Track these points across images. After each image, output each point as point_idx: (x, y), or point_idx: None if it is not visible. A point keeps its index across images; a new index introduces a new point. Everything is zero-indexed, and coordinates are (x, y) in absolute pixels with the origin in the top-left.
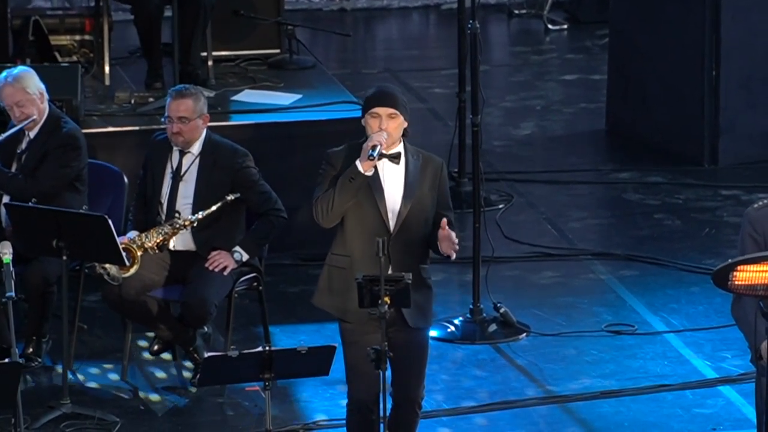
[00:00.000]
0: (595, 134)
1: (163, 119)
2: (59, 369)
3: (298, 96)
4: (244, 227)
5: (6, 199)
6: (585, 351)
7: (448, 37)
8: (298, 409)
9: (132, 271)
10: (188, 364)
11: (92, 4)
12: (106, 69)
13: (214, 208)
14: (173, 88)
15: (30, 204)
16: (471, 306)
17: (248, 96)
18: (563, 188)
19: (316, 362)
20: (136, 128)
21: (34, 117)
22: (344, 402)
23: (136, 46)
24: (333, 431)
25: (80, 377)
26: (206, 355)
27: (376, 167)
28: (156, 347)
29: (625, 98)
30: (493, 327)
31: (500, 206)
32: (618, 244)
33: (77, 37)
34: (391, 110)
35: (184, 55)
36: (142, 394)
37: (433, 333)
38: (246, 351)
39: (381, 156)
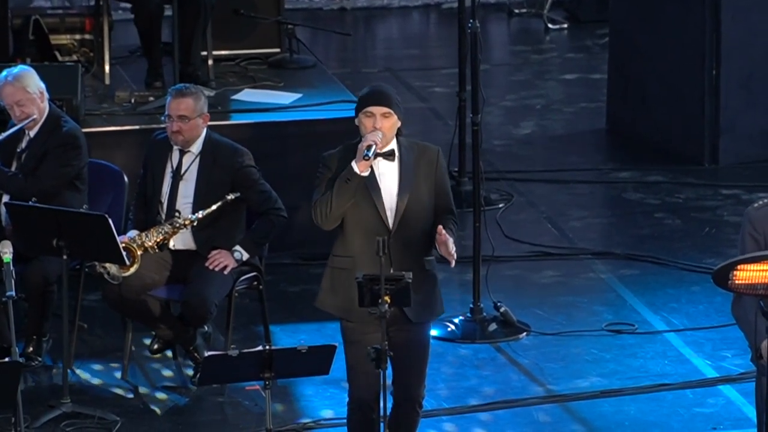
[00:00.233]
0: (596, 133)
1: (163, 118)
2: (59, 368)
3: (299, 95)
4: (244, 226)
5: (6, 198)
6: (585, 350)
7: (449, 36)
8: (299, 408)
9: (132, 270)
10: (188, 363)
11: (92, 3)
12: (107, 68)
13: (214, 207)
14: (173, 87)
15: (30, 203)
16: (471, 305)
17: (248, 95)
18: (563, 187)
19: (316, 361)
20: (136, 127)
21: (35, 116)
22: (345, 401)
23: (136, 46)
24: (333, 430)
25: (80, 376)
26: (206, 354)
27: (371, 166)
28: (156, 346)
29: (626, 97)
30: (493, 326)
31: (500, 205)
32: (618, 243)
33: (77, 37)
34: (385, 109)
35: (185, 55)
36: (142, 393)
37: (433, 332)
38: (246, 350)
39: (375, 155)
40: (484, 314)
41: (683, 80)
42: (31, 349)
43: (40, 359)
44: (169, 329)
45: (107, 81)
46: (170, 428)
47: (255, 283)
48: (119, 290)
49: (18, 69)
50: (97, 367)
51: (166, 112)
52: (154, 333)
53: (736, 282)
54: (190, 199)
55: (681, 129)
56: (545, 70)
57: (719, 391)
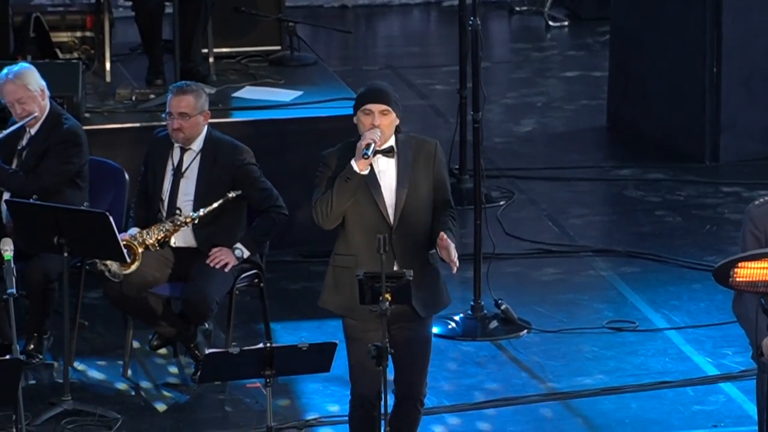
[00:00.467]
0: (596, 131)
1: (164, 115)
2: (60, 366)
3: (299, 93)
4: (245, 224)
5: (7, 195)
6: (586, 348)
7: (449, 33)
8: (299, 405)
9: (133, 267)
10: (189, 360)
11: (93, 0)
12: (107, 66)
13: (215, 205)
14: (174, 85)
15: (31, 201)
16: (472, 303)
17: (249, 93)
18: (564, 185)
19: (317, 359)
20: (137, 125)
21: (36, 114)
22: (346, 398)
23: (137, 43)
24: (334, 428)
25: (81, 374)
26: (207, 351)
27: (371, 164)
28: (156, 343)
29: (626, 95)
30: (494, 324)
31: (501, 203)
32: (619, 240)
33: (78, 34)
34: (384, 107)
35: (185, 52)
36: (143, 391)
37: (434, 330)
38: (247, 347)
39: (375, 153)
40: (485, 312)
41: (684, 78)
42: (32, 346)
43: (41, 357)
44: (170, 327)
45: (108, 78)
46: (171, 425)
47: (256, 280)
48: (120, 288)
49: (19, 66)
50: (98, 364)
51: (167, 110)
52: (154, 330)
53: (737, 279)
54: (191, 197)
55: (682, 126)
56: (546, 68)
57: (720, 389)
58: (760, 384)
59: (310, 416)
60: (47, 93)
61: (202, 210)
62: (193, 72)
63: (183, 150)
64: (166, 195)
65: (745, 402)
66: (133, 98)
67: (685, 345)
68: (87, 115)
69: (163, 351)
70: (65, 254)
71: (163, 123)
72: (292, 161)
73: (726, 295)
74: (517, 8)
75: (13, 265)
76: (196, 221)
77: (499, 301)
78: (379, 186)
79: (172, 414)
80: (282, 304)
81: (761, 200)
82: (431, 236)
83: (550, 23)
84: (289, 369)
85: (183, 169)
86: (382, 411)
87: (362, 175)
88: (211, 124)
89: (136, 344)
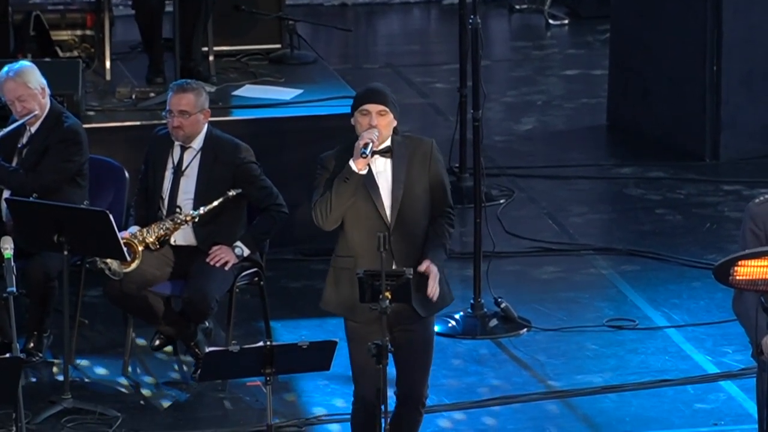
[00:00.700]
0: (596, 129)
1: (164, 113)
2: (60, 364)
3: (299, 91)
4: (245, 222)
5: (7, 194)
6: (586, 346)
7: (449, 32)
8: (300, 403)
9: (133, 266)
10: (189, 358)
11: None
12: (107, 64)
13: (215, 203)
14: (175, 83)
15: (31, 199)
16: (472, 301)
17: (249, 91)
18: (564, 183)
19: (317, 357)
20: (137, 123)
21: (36, 112)
22: (346, 398)
23: (137, 42)
24: (334, 426)
25: (81, 372)
26: (207, 349)
27: (369, 164)
28: (157, 342)
29: (626, 94)
30: (494, 322)
31: (501, 201)
32: (619, 239)
33: (78, 32)
34: (381, 107)
35: (186, 51)
36: (143, 389)
37: (434, 329)
38: (247, 346)
39: (373, 153)
40: (485, 310)
41: (684, 76)
42: (32, 344)
43: (41, 355)
44: (170, 325)
45: (108, 77)
46: (171, 424)
47: (256, 278)
48: (120, 286)
49: (19, 65)
50: (98, 362)
51: (167, 108)
52: (155, 330)
53: (737, 278)
54: (191, 195)
55: (682, 125)
56: (546, 66)
57: (720, 387)
58: (760, 382)
59: (311, 414)
60: (47, 91)
61: (202, 208)
62: (194, 70)
63: (183, 148)
64: (166, 193)
65: (745, 400)
66: (133, 97)
67: (685, 343)
68: (88, 113)
69: (165, 349)
70: (65, 252)
71: (164, 121)
72: (292, 159)
73: (726, 293)
74: (518, 6)
75: (13, 263)
76: (197, 219)
77: (499, 300)
78: (377, 186)
79: (173, 412)
80: (282, 302)
81: (761, 198)
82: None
83: (551, 21)
84: (290, 367)
85: (183, 167)
86: (383, 409)
87: (361, 175)
88: (211, 123)
89: (136, 342)
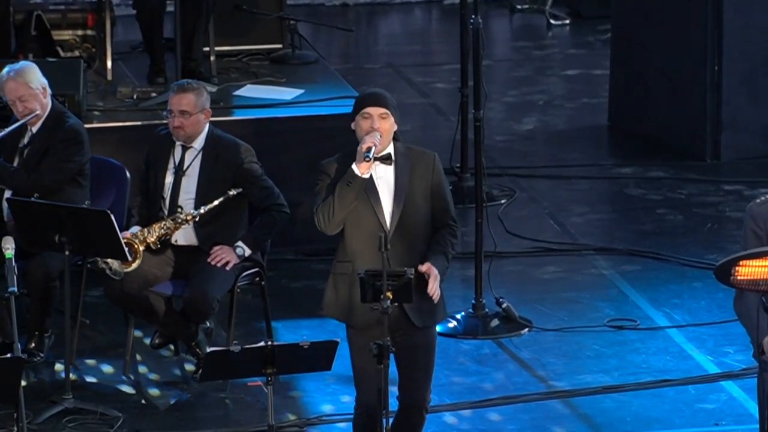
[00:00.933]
0: (597, 129)
1: (164, 113)
2: (61, 364)
3: (300, 91)
4: (246, 222)
5: (8, 193)
6: (587, 346)
7: (451, 32)
8: (301, 404)
9: (134, 266)
10: (190, 358)
11: None
12: (109, 64)
13: (216, 203)
14: (176, 83)
15: (32, 199)
16: (473, 301)
17: (250, 91)
18: (565, 183)
19: (318, 357)
20: (139, 123)
21: (37, 112)
22: (347, 397)
23: (138, 41)
24: (335, 426)
25: (82, 372)
26: (208, 350)
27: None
28: (157, 341)
29: (627, 93)
30: (495, 322)
31: (502, 201)
32: (620, 239)
33: (79, 32)
34: (383, 110)
35: (187, 50)
36: (144, 389)
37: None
38: (248, 346)
39: (374, 158)
40: (486, 310)
41: (685, 76)
42: (33, 345)
43: (42, 355)
44: (171, 325)
45: (109, 77)
46: (172, 424)
47: (257, 278)
48: (121, 286)
49: (20, 65)
50: (99, 362)
51: (168, 107)
52: (156, 329)
53: (738, 278)
54: (193, 195)
55: (683, 125)
56: (547, 66)
57: (721, 387)
58: (761, 382)
59: (312, 414)
60: (49, 91)
61: (203, 208)
62: (195, 70)
63: (184, 148)
64: (167, 193)
65: (747, 400)
66: (135, 96)
67: (686, 343)
68: (89, 113)
69: (166, 349)
70: (66, 252)
71: (165, 121)
72: (293, 159)
73: (727, 293)
74: (519, 6)
75: (14, 263)
76: (197, 219)
77: (501, 300)
78: (377, 193)
79: (174, 412)
80: (283, 302)
81: (762, 198)
82: (428, 247)
83: (552, 21)
84: (291, 367)
85: (184, 167)
86: (384, 410)
87: (364, 179)
88: (212, 123)
89: (137, 341)
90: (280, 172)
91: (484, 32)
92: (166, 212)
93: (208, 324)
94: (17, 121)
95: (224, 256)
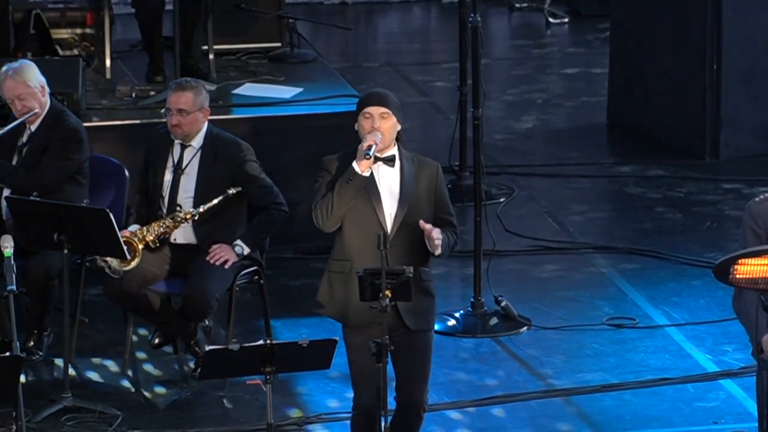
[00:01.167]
0: (597, 128)
1: (163, 111)
2: (60, 362)
3: (299, 89)
4: (245, 221)
5: (7, 192)
6: (586, 344)
7: (450, 30)
8: (300, 402)
9: (133, 264)
10: (189, 357)
11: None
12: (108, 62)
13: (215, 201)
14: (174, 81)
15: (31, 197)
16: (472, 299)
17: (249, 89)
18: (564, 182)
19: (317, 356)
20: (137, 122)
21: (36, 110)
22: (346, 396)
23: (137, 40)
24: (334, 424)
25: (81, 371)
26: (207, 348)
27: (371, 171)
28: (157, 340)
29: (627, 92)
30: (494, 320)
31: (501, 200)
32: (619, 237)
33: (78, 31)
34: (383, 109)
35: (186, 49)
36: (143, 388)
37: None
38: (247, 344)
39: (376, 159)
40: (485, 308)
41: (684, 74)
42: (32, 343)
43: (41, 353)
44: (170, 323)
45: (108, 75)
46: (171, 422)
47: (256, 277)
48: (120, 284)
49: (19, 63)
50: (97, 361)
51: (167, 105)
52: (155, 328)
53: (737, 276)
54: (191, 194)
55: (682, 123)
56: (546, 65)
57: (720, 386)
58: (760, 381)
59: (311, 413)
60: (47, 89)
61: (202, 206)
62: (194, 69)
63: (183, 146)
64: (166, 191)
65: (745, 399)
66: (134, 95)
67: (685, 342)
68: (88, 111)
69: (164, 348)
70: (65, 251)
71: (164, 120)
72: (292, 158)
73: (726, 291)
74: (518, 5)
75: (13, 261)
76: (196, 218)
77: (499, 298)
78: (379, 193)
79: (172, 411)
80: (282, 300)
81: (761, 197)
82: (426, 253)
83: (551, 20)
84: (290, 366)
85: (183, 165)
86: (382, 409)
87: (363, 177)
88: (211, 121)
89: (136, 340)
90: (279, 170)
91: (483, 31)
92: (165, 211)
93: (207, 322)
94: (16, 119)
95: (223, 254)
